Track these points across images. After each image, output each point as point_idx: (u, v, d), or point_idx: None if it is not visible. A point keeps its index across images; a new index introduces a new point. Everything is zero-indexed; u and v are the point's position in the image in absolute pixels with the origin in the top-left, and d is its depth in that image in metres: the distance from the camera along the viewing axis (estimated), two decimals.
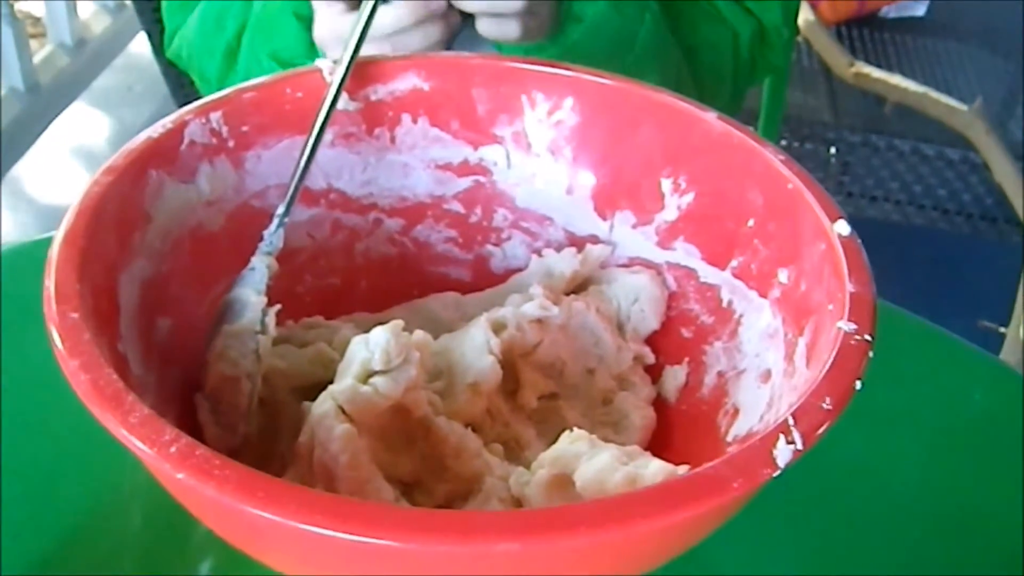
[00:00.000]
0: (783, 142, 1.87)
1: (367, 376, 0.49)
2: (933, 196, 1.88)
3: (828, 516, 0.61)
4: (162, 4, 0.98)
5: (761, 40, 0.92)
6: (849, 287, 0.48)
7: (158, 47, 1.85)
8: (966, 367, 0.73)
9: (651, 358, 0.61)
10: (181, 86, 1.88)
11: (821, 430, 0.42)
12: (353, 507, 0.37)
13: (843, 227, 0.51)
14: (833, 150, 1.89)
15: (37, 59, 2.20)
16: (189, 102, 1.79)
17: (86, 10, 2.41)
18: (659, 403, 0.60)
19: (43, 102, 2.17)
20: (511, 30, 0.77)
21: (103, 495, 0.61)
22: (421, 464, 0.52)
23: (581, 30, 0.81)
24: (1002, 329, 1.57)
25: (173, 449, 0.39)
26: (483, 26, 0.77)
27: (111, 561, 0.58)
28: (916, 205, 1.89)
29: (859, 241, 0.51)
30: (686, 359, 0.60)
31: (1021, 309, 1.56)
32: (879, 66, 1.91)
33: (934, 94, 1.82)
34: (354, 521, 0.36)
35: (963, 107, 1.78)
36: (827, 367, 0.44)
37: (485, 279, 0.65)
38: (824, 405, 0.42)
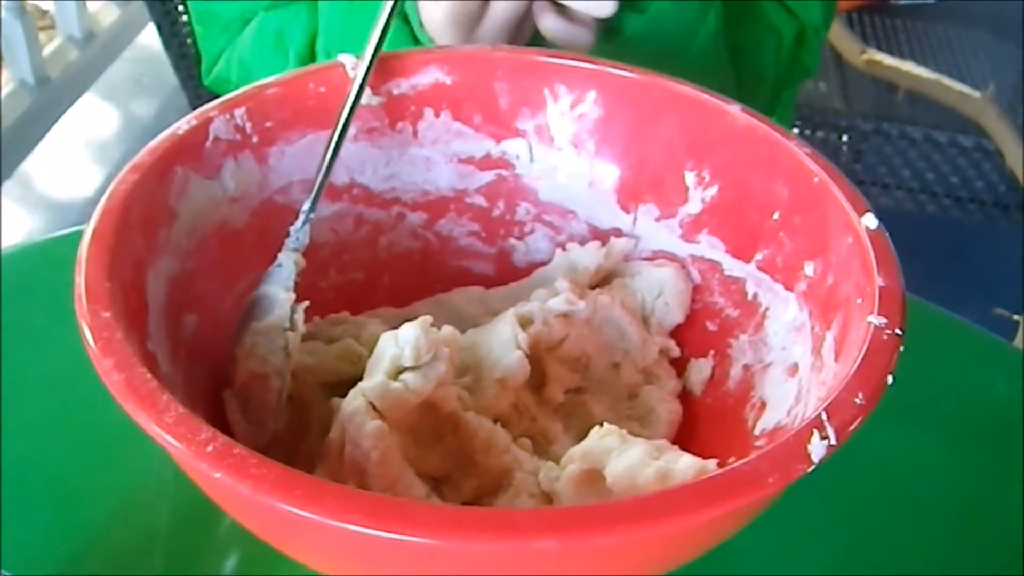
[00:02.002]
0: (794, 131, 1.86)
1: (397, 372, 0.49)
2: (946, 184, 1.87)
3: (847, 507, 0.62)
4: (196, 31, 0.96)
5: (800, 42, 0.91)
6: (879, 281, 0.48)
7: (167, 39, 1.86)
8: (987, 357, 0.73)
9: (676, 351, 0.61)
10: (191, 77, 1.88)
11: (854, 425, 0.42)
12: (391, 505, 0.37)
13: (871, 220, 0.51)
14: (845, 138, 1.88)
15: (46, 52, 2.21)
16: (199, 94, 1.78)
17: (95, 3, 2.41)
18: (685, 396, 0.60)
19: (53, 95, 2.17)
20: (583, 37, 0.73)
21: (127, 493, 0.61)
22: (450, 459, 0.52)
23: (641, 22, 0.79)
24: (1016, 317, 1.57)
25: (210, 448, 0.39)
26: (550, 25, 0.73)
27: (137, 559, 0.58)
28: (929, 193, 1.89)
29: (887, 235, 0.51)
30: (711, 352, 0.60)
31: None
32: (891, 53, 1.91)
33: (946, 81, 1.82)
34: (393, 519, 0.36)
35: (976, 94, 1.78)
36: (859, 362, 0.44)
37: (508, 273, 0.65)
38: (857, 400, 0.42)
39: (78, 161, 2.19)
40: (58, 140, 2.19)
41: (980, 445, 0.67)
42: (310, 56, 0.86)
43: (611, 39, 0.78)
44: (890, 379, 0.44)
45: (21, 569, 0.56)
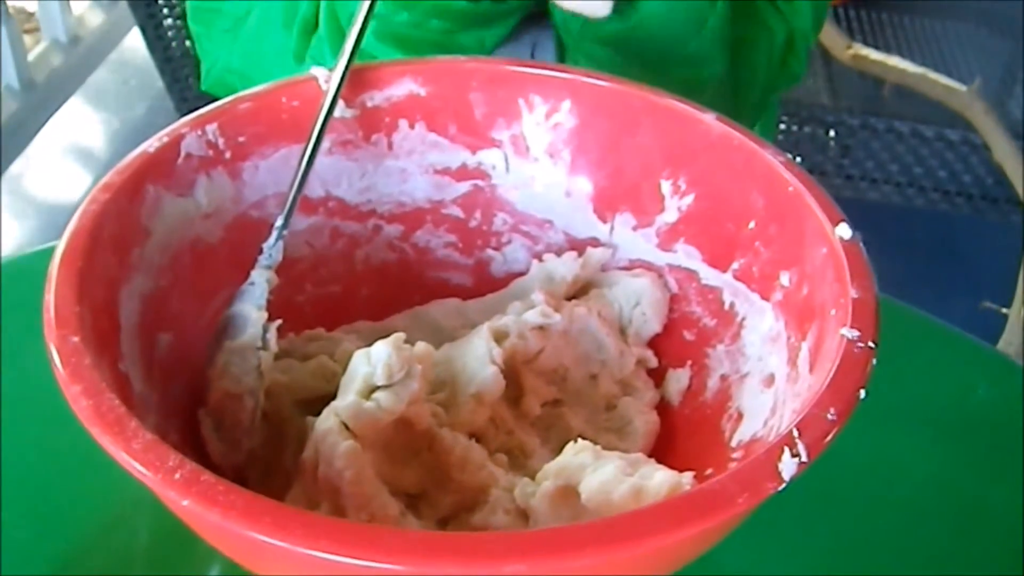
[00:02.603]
0: (781, 126, 1.86)
1: (370, 391, 0.49)
2: (933, 177, 1.87)
3: (830, 513, 0.61)
4: (194, 33, 0.94)
5: (789, 47, 0.90)
6: (852, 293, 0.48)
7: (152, 42, 1.85)
8: (969, 361, 0.72)
9: (654, 362, 0.60)
10: (177, 80, 1.88)
11: (826, 441, 0.41)
12: (357, 532, 0.37)
13: (845, 231, 0.51)
14: (832, 133, 1.88)
15: (31, 56, 2.20)
16: (185, 97, 1.77)
17: (80, 6, 2.40)
18: (662, 407, 0.59)
19: (38, 99, 2.16)
20: (599, 5, 0.73)
21: (110, 502, 0.61)
22: (426, 475, 0.52)
23: (653, 6, 0.78)
24: (1004, 310, 1.57)
25: (177, 475, 0.39)
26: None
27: (121, 567, 0.58)
28: (916, 187, 1.89)
29: (861, 245, 0.50)
30: (689, 362, 0.59)
31: (1022, 290, 1.56)
32: (877, 47, 1.90)
33: (933, 75, 1.82)
34: (360, 546, 0.36)
35: (962, 87, 1.78)
36: (830, 376, 0.44)
37: (486, 283, 0.65)
38: (828, 416, 0.42)
39: (65, 166, 2.18)
40: (45, 145, 2.18)
41: (965, 448, 0.66)
42: (314, 21, 0.85)
43: (619, 21, 0.77)
44: (863, 393, 0.44)
45: None
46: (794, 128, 1.88)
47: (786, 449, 0.41)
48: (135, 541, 0.60)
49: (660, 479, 0.46)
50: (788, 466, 0.40)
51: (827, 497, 0.60)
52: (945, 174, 1.87)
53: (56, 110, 2.22)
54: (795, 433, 0.41)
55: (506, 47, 0.83)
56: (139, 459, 0.39)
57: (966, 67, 1.92)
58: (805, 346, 0.51)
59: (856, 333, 0.46)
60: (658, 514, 0.38)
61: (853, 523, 0.61)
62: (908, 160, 1.88)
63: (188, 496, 0.38)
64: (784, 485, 0.40)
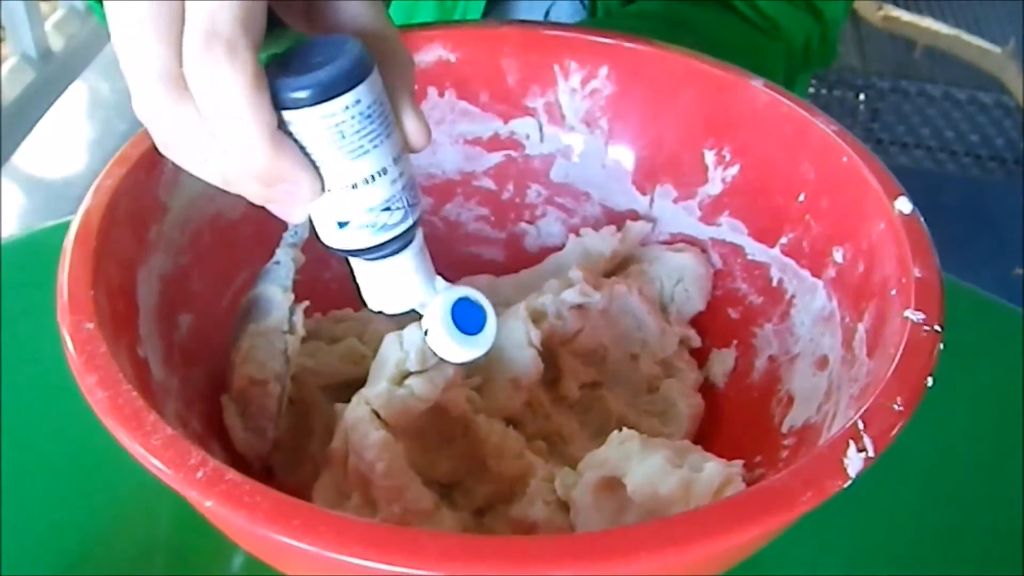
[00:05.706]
0: (811, 90, 1.82)
1: (402, 377, 0.46)
2: (965, 142, 1.84)
3: (881, 498, 0.58)
4: None
5: (822, 38, 0.86)
6: (915, 272, 0.45)
7: None
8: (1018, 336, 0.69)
9: (697, 341, 0.58)
10: None
11: (893, 434, 0.39)
12: (392, 536, 0.34)
13: (905, 204, 0.48)
14: (862, 96, 1.85)
15: (48, 25, 2.18)
16: None
17: None
18: (707, 388, 0.57)
19: (55, 69, 2.14)
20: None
21: (129, 491, 0.59)
22: (460, 464, 0.49)
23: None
24: None
25: (200, 474, 0.36)
26: None
27: (143, 559, 0.56)
28: (948, 151, 1.85)
29: (922, 220, 0.47)
30: (734, 342, 0.57)
31: None
32: (908, 8, 1.87)
33: (965, 36, 1.78)
34: (394, 551, 0.34)
35: (996, 49, 1.74)
36: (896, 363, 0.41)
37: (519, 258, 0.62)
38: (895, 406, 0.39)
39: (83, 135, 2.16)
40: (62, 113, 2.15)
41: (1014, 428, 0.64)
42: None
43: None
44: (930, 381, 0.41)
45: (22, 571, 0.54)
46: (823, 92, 1.85)
47: (851, 443, 0.38)
48: (155, 531, 0.58)
49: (711, 471, 0.43)
50: (854, 461, 0.37)
51: (878, 482, 0.57)
52: (977, 138, 1.83)
53: (73, 79, 2.19)
54: (860, 425, 0.38)
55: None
56: (158, 456, 0.37)
57: (1000, 29, 1.87)
58: (861, 328, 0.47)
59: (921, 316, 0.43)
60: (717, 515, 0.35)
61: (905, 508, 0.59)
62: (939, 124, 1.84)
63: (211, 497, 0.35)
64: (849, 482, 0.37)
